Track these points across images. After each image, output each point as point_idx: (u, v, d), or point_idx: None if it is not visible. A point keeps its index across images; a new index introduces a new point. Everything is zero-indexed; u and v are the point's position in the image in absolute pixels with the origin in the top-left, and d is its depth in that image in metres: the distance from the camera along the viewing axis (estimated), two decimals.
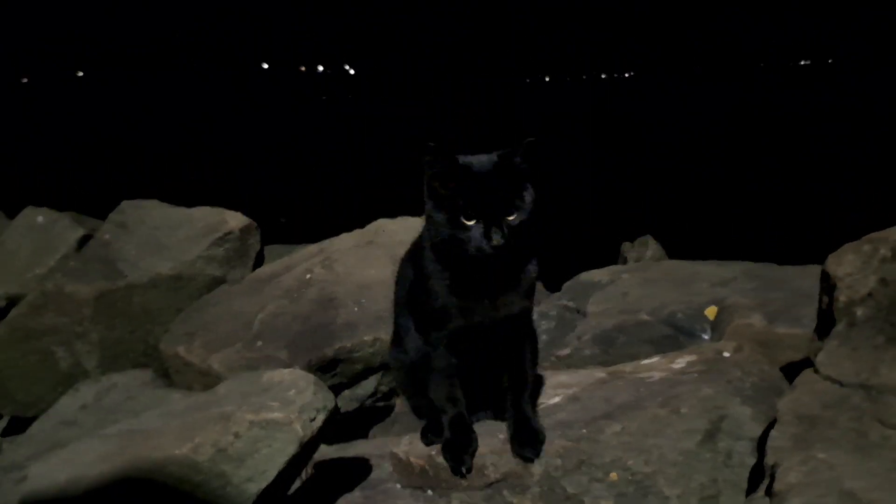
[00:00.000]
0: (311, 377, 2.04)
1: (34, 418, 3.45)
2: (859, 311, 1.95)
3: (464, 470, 1.99)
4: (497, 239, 1.79)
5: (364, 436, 3.13)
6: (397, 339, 2.24)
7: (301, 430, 1.89)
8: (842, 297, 2.00)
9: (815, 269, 2.19)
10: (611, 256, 5.14)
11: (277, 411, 1.89)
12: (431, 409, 2.12)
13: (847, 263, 2.04)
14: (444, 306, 1.93)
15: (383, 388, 3.28)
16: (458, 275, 1.91)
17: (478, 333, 1.98)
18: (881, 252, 1.99)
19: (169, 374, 3.47)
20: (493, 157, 1.87)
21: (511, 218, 1.82)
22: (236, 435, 1.85)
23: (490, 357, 2.05)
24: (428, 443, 2.11)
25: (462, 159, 1.86)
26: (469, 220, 1.81)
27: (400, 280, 2.21)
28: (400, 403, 3.25)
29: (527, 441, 1.99)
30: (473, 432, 2.04)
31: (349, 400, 3.25)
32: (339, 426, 3.14)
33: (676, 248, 4.99)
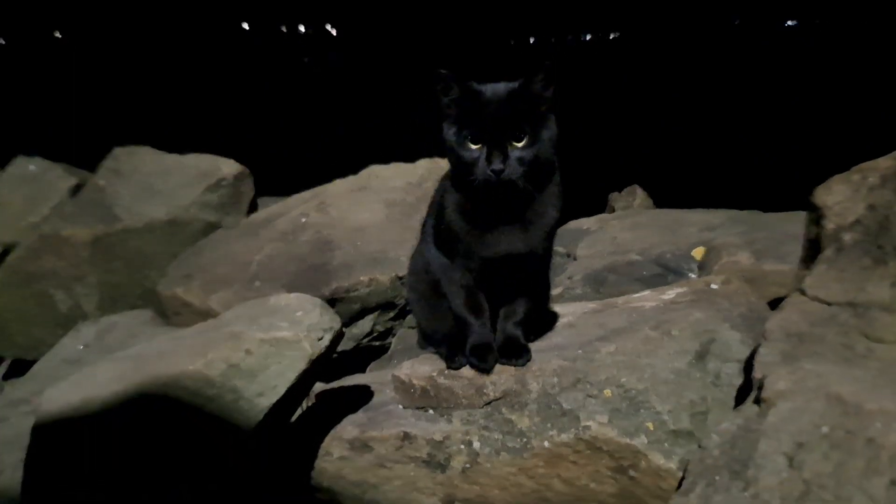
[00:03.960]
0: (317, 300, 2.08)
1: (34, 361, 3.49)
2: (847, 237, 1.99)
3: (487, 368, 2.04)
4: (497, 164, 1.77)
5: (361, 372, 3.20)
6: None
7: (310, 347, 1.94)
8: (830, 224, 2.04)
9: (799, 215, 2.22)
10: (598, 206, 5.18)
11: (286, 330, 1.95)
12: (454, 328, 2.12)
13: (836, 193, 2.07)
14: (454, 229, 1.96)
15: (379, 328, 3.34)
16: (467, 201, 1.92)
17: (489, 265, 1.98)
18: (870, 180, 2.02)
19: (167, 316, 3.51)
20: (511, 84, 1.85)
21: (519, 144, 1.81)
22: (247, 352, 1.90)
23: (502, 290, 2.06)
24: (457, 366, 2.09)
25: (473, 85, 1.86)
26: (475, 143, 1.82)
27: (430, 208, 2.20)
28: (396, 341, 3.32)
29: (512, 353, 2.05)
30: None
31: (346, 339, 3.29)
32: (336, 365, 3.22)
33: (663, 198, 5.05)
